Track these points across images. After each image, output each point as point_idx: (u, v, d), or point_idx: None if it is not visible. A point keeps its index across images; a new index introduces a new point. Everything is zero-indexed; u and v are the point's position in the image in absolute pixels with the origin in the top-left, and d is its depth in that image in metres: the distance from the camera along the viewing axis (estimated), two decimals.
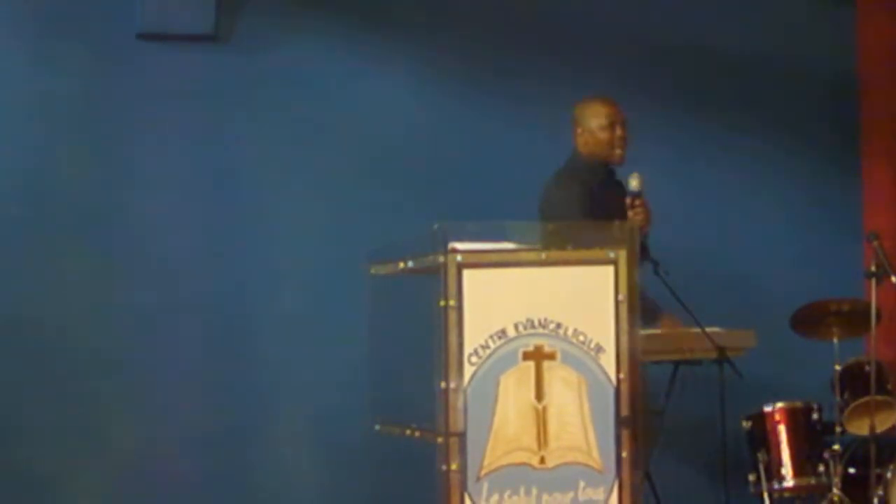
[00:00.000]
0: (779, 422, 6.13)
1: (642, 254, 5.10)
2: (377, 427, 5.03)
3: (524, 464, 4.43)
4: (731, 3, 6.97)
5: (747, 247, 6.81)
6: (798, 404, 6.18)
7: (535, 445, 4.44)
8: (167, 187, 6.23)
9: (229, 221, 6.30)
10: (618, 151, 5.17)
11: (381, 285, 5.26)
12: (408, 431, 4.72)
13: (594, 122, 5.21)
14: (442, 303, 4.39)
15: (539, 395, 4.46)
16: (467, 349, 4.39)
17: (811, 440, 6.13)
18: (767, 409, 6.07)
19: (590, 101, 5.25)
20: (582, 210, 5.05)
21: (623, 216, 5.06)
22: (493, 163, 6.53)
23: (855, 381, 6.08)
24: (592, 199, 5.15)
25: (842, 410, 6.06)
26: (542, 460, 4.44)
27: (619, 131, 5.20)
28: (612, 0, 6.82)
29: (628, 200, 5.08)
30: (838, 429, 6.06)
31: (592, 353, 4.52)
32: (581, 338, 4.51)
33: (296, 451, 6.29)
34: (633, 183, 5.09)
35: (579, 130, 5.24)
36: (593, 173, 5.21)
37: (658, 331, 5.37)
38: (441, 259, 4.41)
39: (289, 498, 6.25)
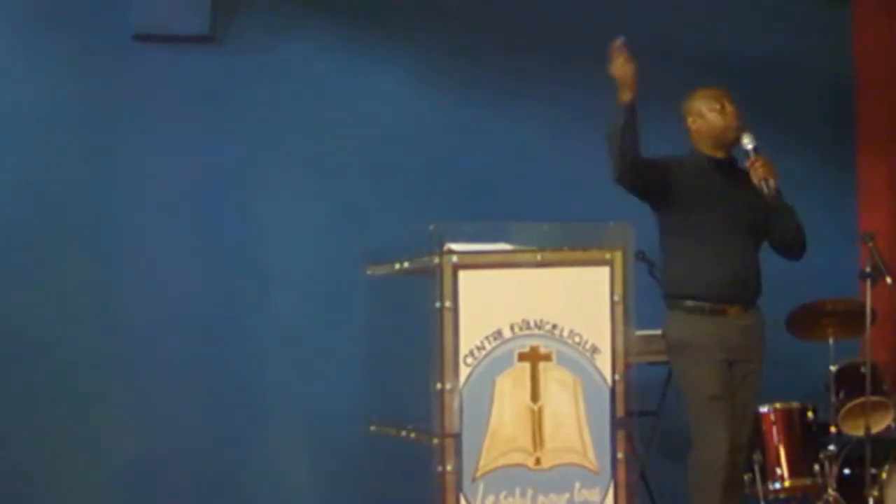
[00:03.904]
0: (774, 422, 6.13)
1: (775, 201, 5.15)
2: (372, 428, 5.03)
3: (520, 465, 4.43)
4: (727, 3, 6.97)
5: None
6: (793, 405, 6.18)
7: (530, 446, 4.44)
8: (162, 188, 6.22)
9: (225, 222, 6.30)
10: (732, 128, 5.19)
11: (377, 286, 5.26)
12: (403, 433, 4.72)
13: (704, 106, 5.24)
14: (437, 304, 4.39)
15: (535, 397, 4.46)
16: (463, 350, 4.40)
17: (806, 441, 6.13)
18: (763, 409, 6.07)
19: (696, 90, 5.32)
20: None
21: (723, 199, 5.14)
22: (489, 163, 6.53)
23: (850, 382, 6.08)
24: (685, 183, 5.19)
25: (837, 411, 6.06)
26: (538, 461, 4.45)
27: (728, 107, 5.23)
28: (611, 1, 6.82)
29: (748, 161, 5.11)
30: (833, 429, 6.06)
31: (588, 353, 4.52)
32: (577, 339, 4.51)
33: (291, 452, 6.28)
34: (746, 141, 5.13)
35: (691, 119, 5.27)
36: (692, 161, 5.24)
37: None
38: (437, 260, 4.41)
39: (284, 500, 6.24)
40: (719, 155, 5.26)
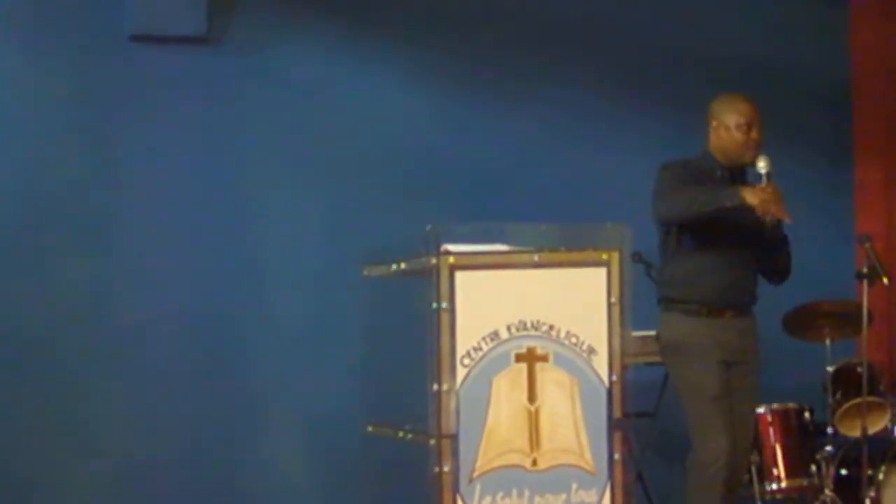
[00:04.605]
0: (771, 423, 6.13)
1: (775, 232, 5.16)
2: (369, 429, 5.03)
3: (517, 465, 4.43)
4: (724, 5, 6.98)
5: None
6: (790, 406, 6.18)
7: (527, 447, 4.44)
8: (159, 188, 6.20)
9: (222, 222, 6.28)
10: (749, 153, 5.17)
11: (374, 287, 5.26)
12: (401, 433, 4.72)
13: (732, 120, 5.20)
14: (434, 305, 4.40)
15: (531, 397, 4.46)
16: (460, 351, 4.40)
17: (803, 441, 6.14)
18: (760, 410, 6.06)
19: (731, 98, 5.25)
20: (670, 186, 5.09)
21: (735, 217, 5.08)
22: (486, 164, 6.53)
23: (847, 383, 6.08)
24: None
25: (834, 412, 6.06)
26: (535, 462, 4.45)
27: (754, 133, 5.20)
28: (609, 2, 6.82)
29: (760, 185, 5.10)
30: (830, 430, 6.06)
31: (585, 354, 4.52)
32: (573, 339, 4.51)
33: (288, 453, 6.27)
34: (761, 165, 5.10)
35: (714, 124, 5.24)
36: (707, 170, 5.22)
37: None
38: (433, 261, 4.41)
39: (281, 500, 6.23)
40: (729, 165, 5.25)
